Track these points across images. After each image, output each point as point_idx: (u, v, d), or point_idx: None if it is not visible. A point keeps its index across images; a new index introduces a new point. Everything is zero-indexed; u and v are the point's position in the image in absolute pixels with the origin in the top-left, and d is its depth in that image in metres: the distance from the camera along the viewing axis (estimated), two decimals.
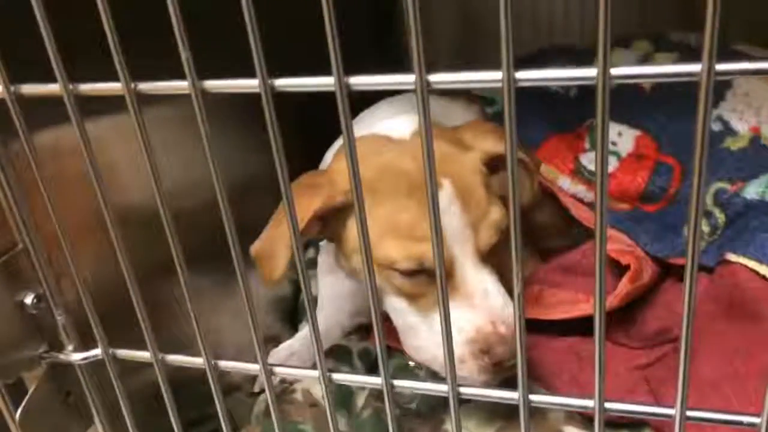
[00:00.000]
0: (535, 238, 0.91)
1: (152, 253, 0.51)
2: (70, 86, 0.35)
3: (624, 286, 0.72)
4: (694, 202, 0.31)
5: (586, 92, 0.97)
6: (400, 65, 1.25)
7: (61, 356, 0.49)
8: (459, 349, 0.61)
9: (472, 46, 1.37)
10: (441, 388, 0.43)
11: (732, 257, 0.71)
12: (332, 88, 0.33)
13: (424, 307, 0.65)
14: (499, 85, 0.31)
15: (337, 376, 0.44)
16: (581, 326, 0.74)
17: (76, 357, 0.48)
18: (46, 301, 0.47)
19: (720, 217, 0.79)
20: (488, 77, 0.32)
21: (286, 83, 0.34)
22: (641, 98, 0.92)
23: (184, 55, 0.31)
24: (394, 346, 0.74)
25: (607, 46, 0.29)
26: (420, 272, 0.62)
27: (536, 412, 0.67)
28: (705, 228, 0.80)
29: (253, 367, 0.44)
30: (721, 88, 0.90)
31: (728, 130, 0.88)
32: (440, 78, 0.32)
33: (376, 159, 0.64)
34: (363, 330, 0.88)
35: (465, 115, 0.89)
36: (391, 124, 0.70)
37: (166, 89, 0.34)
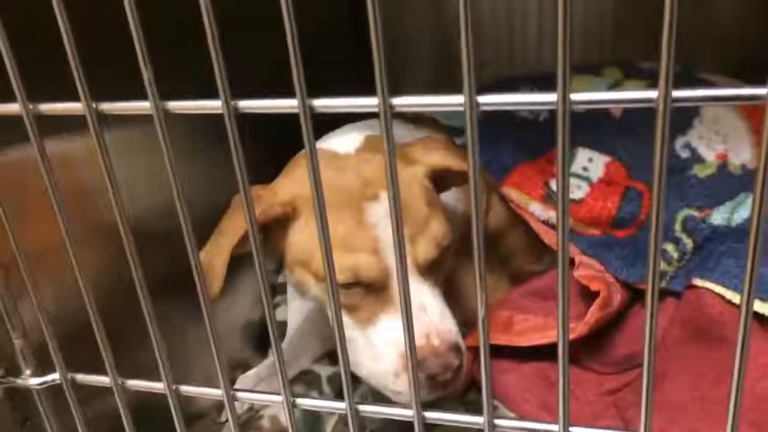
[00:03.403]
0: (506, 263, 0.91)
1: (123, 275, 0.50)
2: (30, 106, 0.35)
3: (593, 313, 0.72)
4: (653, 233, 0.31)
5: (555, 117, 0.98)
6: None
7: (19, 381, 0.48)
8: (393, 362, 0.62)
9: (448, 70, 1.38)
10: (406, 413, 0.42)
11: (698, 282, 0.71)
12: (296, 110, 0.33)
13: (361, 319, 0.65)
14: (462, 108, 0.31)
15: (302, 401, 0.43)
16: (552, 351, 0.74)
17: (34, 382, 0.47)
18: (3, 324, 0.46)
19: (688, 243, 0.80)
20: (451, 101, 0.32)
21: (249, 105, 0.33)
22: (611, 124, 0.93)
23: (146, 74, 0.31)
24: None
25: (566, 74, 0.29)
26: (355, 284, 0.62)
27: None
28: (674, 254, 0.81)
29: (216, 392, 0.44)
30: (689, 115, 0.92)
31: (696, 158, 0.89)
32: (403, 101, 0.33)
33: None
34: (333, 355, 0.87)
35: None
36: (340, 140, 0.72)
37: (128, 110, 0.34)
